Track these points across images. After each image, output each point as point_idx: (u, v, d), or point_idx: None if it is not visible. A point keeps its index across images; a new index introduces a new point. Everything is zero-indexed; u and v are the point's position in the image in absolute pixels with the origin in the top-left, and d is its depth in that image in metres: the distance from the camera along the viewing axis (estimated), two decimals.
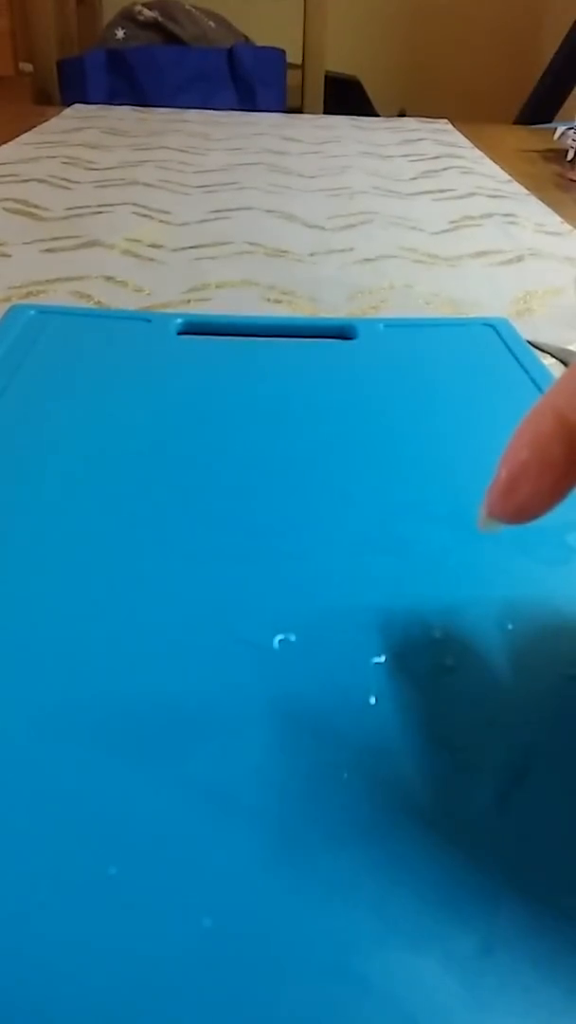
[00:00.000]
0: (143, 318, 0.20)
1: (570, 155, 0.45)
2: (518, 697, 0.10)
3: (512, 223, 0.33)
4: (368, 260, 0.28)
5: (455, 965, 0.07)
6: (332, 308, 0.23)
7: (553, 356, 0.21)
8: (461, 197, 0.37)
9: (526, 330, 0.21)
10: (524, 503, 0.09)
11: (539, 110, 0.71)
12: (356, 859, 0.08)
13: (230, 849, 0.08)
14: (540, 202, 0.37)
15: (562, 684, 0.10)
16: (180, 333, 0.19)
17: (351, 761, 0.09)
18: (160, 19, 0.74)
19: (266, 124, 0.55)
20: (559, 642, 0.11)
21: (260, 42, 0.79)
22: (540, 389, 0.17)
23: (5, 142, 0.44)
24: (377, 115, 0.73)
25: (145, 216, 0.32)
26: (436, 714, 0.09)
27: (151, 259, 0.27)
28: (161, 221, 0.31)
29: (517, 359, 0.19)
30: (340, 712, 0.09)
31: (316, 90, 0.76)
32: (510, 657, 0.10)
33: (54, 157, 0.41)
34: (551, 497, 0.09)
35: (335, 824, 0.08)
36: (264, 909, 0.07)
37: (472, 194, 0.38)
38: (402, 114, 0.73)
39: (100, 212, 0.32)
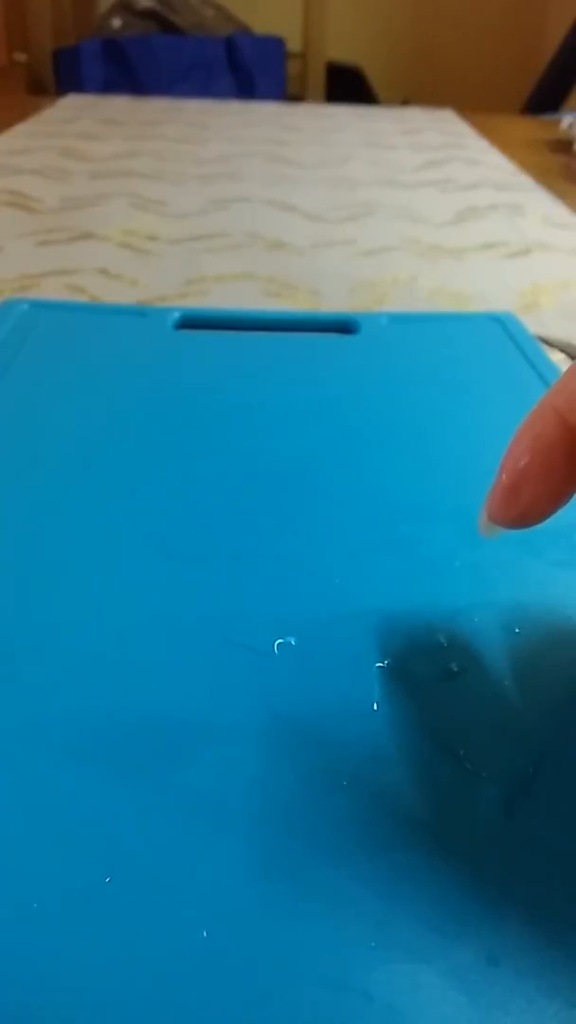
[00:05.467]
0: (139, 312, 0.20)
1: None
2: (525, 703, 0.09)
3: (519, 215, 0.33)
4: (370, 252, 0.27)
5: (459, 976, 0.07)
6: (333, 302, 0.23)
7: (561, 351, 0.20)
8: (466, 188, 0.37)
9: (533, 324, 0.21)
10: (526, 508, 0.08)
11: (546, 99, 0.70)
12: (358, 869, 0.08)
13: (228, 859, 0.08)
14: (547, 193, 0.37)
15: (571, 689, 0.10)
16: (177, 327, 0.19)
17: (352, 769, 0.08)
18: (157, 7, 0.72)
19: (266, 113, 0.54)
20: (567, 646, 0.10)
21: (259, 30, 0.78)
22: (547, 385, 0.17)
23: None
24: (380, 104, 0.72)
25: (141, 207, 0.31)
26: (440, 720, 0.09)
27: (147, 251, 0.26)
28: (157, 213, 0.31)
29: (524, 354, 0.18)
30: (341, 718, 0.09)
31: (317, 79, 0.75)
32: (517, 661, 0.10)
33: (48, 148, 0.41)
34: (553, 502, 0.08)
35: (336, 833, 0.08)
36: (263, 920, 0.07)
37: (477, 185, 0.38)
38: (405, 103, 0.72)
39: (95, 204, 0.31)
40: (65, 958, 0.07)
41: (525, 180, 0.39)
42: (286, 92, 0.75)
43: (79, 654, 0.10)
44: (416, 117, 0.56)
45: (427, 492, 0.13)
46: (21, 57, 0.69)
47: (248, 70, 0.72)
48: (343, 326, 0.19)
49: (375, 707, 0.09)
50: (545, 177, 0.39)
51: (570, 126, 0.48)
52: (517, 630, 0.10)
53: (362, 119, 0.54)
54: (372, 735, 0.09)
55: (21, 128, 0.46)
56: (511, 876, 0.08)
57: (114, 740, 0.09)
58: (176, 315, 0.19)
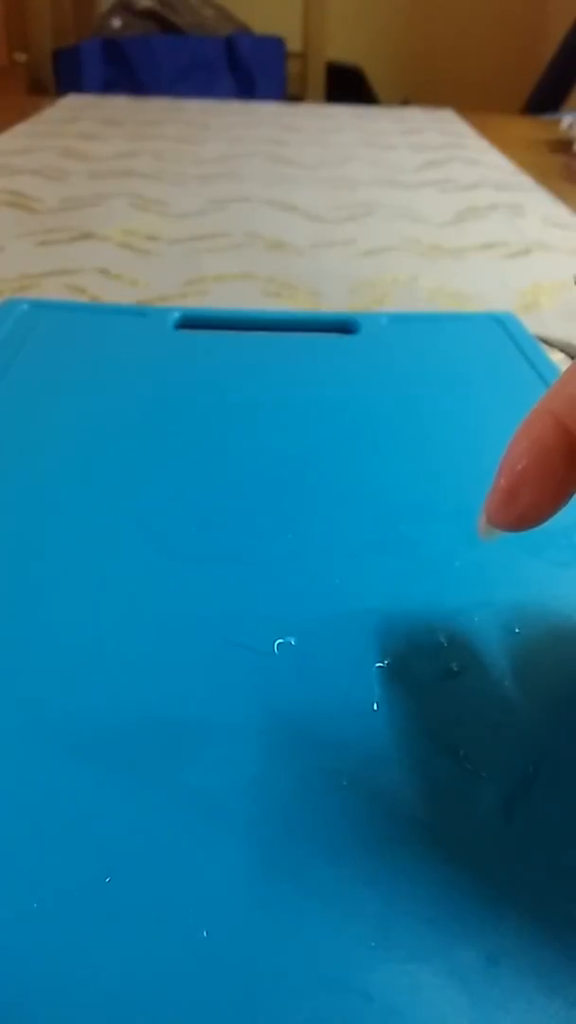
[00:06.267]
0: (139, 312, 0.20)
1: None
2: (525, 703, 0.09)
3: (519, 215, 0.33)
4: (370, 252, 0.27)
5: (459, 976, 0.07)
6: (333, 302, 0.23)
7: (561, 351, 0.20)
8: (466, 188, 0.37)
9: (533, 324, 0.21)
10: (524, 511, 0.08)
11: (546, 99, 0.70)
12: (357, 869, 0.08)
13: (228, 859, 0.08)
14: (547, 193, 0.37)
15: (571, 689, 0.10)
16: (177, 327, 0.19)
17: (352, 769, 0.08)
18: (157, 7, 0.72)
19: (266, 113, 0.54)
20: (567, 646, 0.10)
21: (260, 30, 0.78)
22: (547, 385, 0.17)
23: None
24: (380, 104, 0.72)
25: (141, 207, 0.31)
26: (440, 720, 0.09)
27: (147, 251, 0.26)
28: (157, 213, 0.31)
29: (524, 354, 0.18)
30: (341, 718, 0.09)
31: (317, 79, 0.75)
32: (517, 661, 0.10)
33: (48, 148, 0.41)
34: (551, 505, 0.08)
35: (336, 833, 0.08)
36: (263, 920, 0.07)
37: (477, 185, 0.38)
38: (405, 103, 0.72)
39: (95, 204, 0.31)
40: (65, 958, 0.07)
41: (525, 180, 0.39)
42: (286, 92, 0.75)
43: (79, 654, 0.10)
44: (416, 117, 0.56)
45: (427, 492, 0.13)
46: (21, 57, 0.69)
47: (248, 70, 0.72)
48: (343, 326, 0.19)
49: (375, 707, 0.09)
50: (545, 177, 0.39)
51: (570, 126, 0.48)
52: (517, 630, 0.10)
53: (362, 119, 0.54)
54: (372, 735, 0.09)
55: (21, 128, 0.46)
56: (511, 876, 0.08)
57: (114, 740, 0.09)
58: (176, 315, 0.19)
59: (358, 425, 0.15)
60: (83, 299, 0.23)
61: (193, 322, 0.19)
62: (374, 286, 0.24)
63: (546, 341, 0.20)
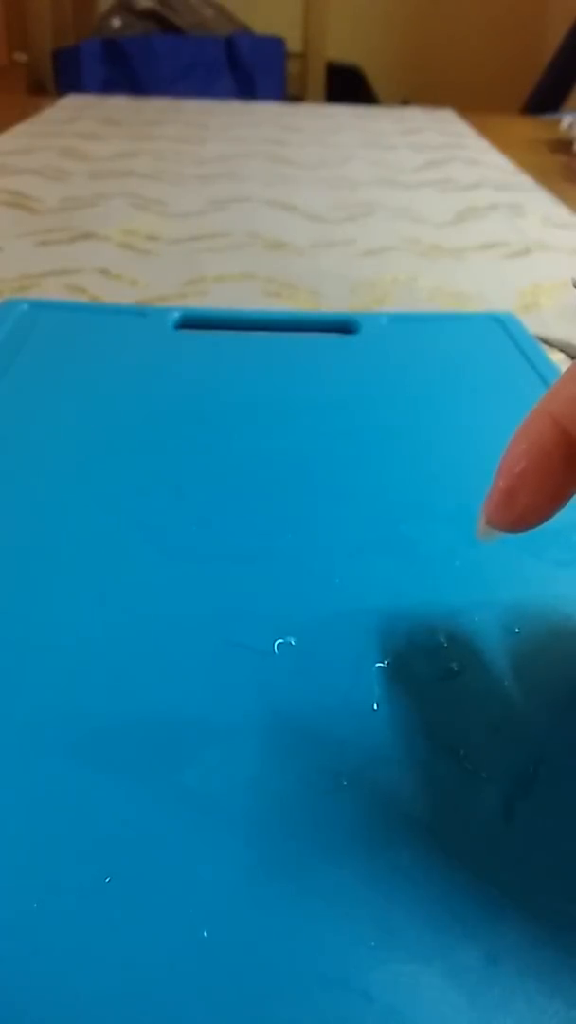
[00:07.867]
0: (139, 312, 0.20)
1: None
2: (525, 702, 0.09)
3: (519, 215, 0.33)
4: (371, 252, 0.27)
5: (459, 977, 0.07)
6: (333, 302, 0.23)
7: (561, 351, 0.20)
8: (466, 188, 0.37)
9: (533, 324, 0.21)
10: (523, 512, 0.09)
11: (546, 99, 0.70)
12: (357, 869, 0.08)
13: (228, 859, 0.08)
14: (547, 193, 0.37)
15: (571, 689, 0.10)
16: (177, 327, 0.19)
17: (352, 769, 0.08)
18: (157, 7, 0.73)
19: (266, 113, 0.55)
20: (567, 645, 0.10)
21: (260, 30, 0.78)
22: (547, 385, 0.17)
23: None
24: (380, 104, 0.72)
25: (141, 208, 0.31)
26: (440, 720, 0.09)
27: (147, 252, 0.26)
28: (157, 213, 0.31)
29: (524, 354, 0.18)
30: (341, 718, 0.09)
31: (317, 79, 0.75)
32: (517, 661, 0.10)
33: (48, 148, 0.41)
34: (550, 506, 0.08)
35: (336, 833, 0.08)
36: (263, 921, 0.07)
37: (477, 185, 0.38)
38: (405, 103, 0.72)
39: (95, 204, 0.31)
40: (65, 958, 0.07)
41: (525, 180, 0.39)
42: (286, 92, 0.75)
43: (79, 654, 0.10)
44: (416, 117, 0.56)
45: (427, 492, 0.13)
46: (21, 57, 0.69)
47: (248, 70, 0.73)
48: (343, 326, 0.19)
49: (375, 707, 0.09)
50: (545, 177, 0.39)
51: (570, 126, 0.48)
52: (517, 630, 0.10)
53: (362, 119, 0.54)
54: (372, 735, 0.09)
55: (21, 128, 0.46)
56: (511, 876, 0.08)
57: (114, 740, 0.09)
58: (176, 315, 0.19)
59: (358, 425, 0.15)
60: (83, 299, 0.23)
61: (193, 322, 0.19)
62: (374, 286, 0.24)
63: (546, 341, 0.20)
